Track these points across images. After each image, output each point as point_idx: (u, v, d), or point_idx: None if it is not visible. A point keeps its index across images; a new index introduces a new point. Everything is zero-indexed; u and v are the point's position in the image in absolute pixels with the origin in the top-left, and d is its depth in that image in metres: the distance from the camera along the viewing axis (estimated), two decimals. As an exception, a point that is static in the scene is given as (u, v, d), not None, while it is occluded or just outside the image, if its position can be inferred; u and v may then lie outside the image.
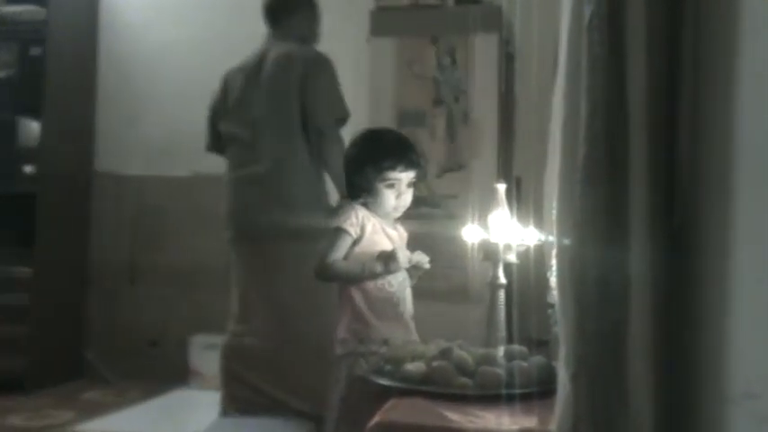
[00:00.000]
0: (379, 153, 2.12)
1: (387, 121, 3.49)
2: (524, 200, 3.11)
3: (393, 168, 2.08)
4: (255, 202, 2.89)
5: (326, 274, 2.09)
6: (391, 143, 2.16)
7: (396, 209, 2.08)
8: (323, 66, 2.90)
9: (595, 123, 1.13)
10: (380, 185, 2.09)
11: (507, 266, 1.97)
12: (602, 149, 1.13)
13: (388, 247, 2.08)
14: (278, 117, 2.89)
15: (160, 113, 4.30)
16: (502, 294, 1.93)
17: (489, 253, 1.94)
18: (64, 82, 4.05)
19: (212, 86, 3.25)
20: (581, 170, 1.14)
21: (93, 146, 4.35)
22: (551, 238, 1.31)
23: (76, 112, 4.22)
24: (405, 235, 2.16)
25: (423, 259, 2.06)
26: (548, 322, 1.82)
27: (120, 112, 4.35)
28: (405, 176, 2.07)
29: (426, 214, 3.41)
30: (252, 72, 2.97)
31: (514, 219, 1.98)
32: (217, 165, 3.38)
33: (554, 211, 1.25)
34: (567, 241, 1.17)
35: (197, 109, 3.40)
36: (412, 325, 2.09)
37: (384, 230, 2.08)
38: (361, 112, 3.43)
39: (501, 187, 1.99)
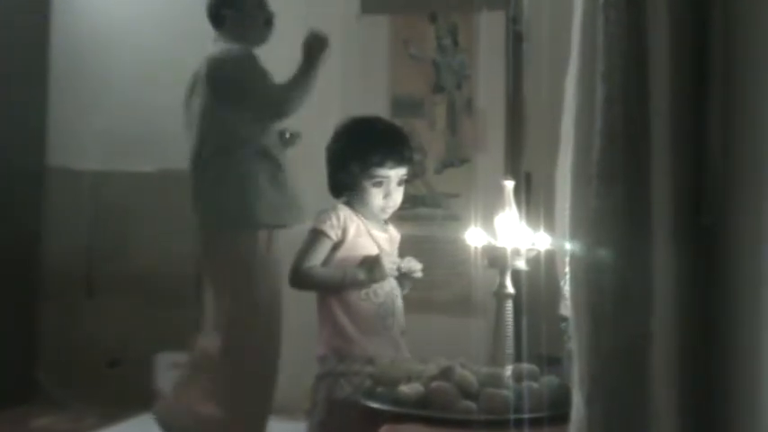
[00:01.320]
0: (365, 147, 2.11)
1: (379, 109, 3.44)
2: (535, 199, 3.02)
3: (381, 165, 2.08)
4: None
5: (301, 281, 2.08)
6: (380, 135, 2.15)
7: (383, 210, 2.08)
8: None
9: (612, 112, 1.14)
10: (367, 183, 2.09)
11: (515, 274, 1.98)
12: (620, 142, 1.14)
13: (374, 251, 2.09)
14: None
15: (122, 100, 4.14)
16: (509, 306, 1.94)
17: (495, 259, 1.94)
18: (9, 63, 3.97)
19: (182, 68, 3.23)
20: (596, 165, 1.15)
21: (45, 137, 4.27)
22: (564, 243, 1.33)
23: (24, 98, 4.13)
24: (396, 238, 2.16)
25: (414, 267, 2.07)
26: (561, 338, 1.86)
27: (76, 99, 4.23)
28: (394, 174, 2.07)
29: (424, 215, 3.45)
30: None
31: (524, 220, 1.99)
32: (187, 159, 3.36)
33: (567, 212, 1.27)
34: (581, 246, 1.18)
35: (164, 94, 3.34)
36: (403, 341, 2.09)
37: (370, 233, 2.08)
38: (350, 99, 3.43)
39: (509, 185, 2.00)
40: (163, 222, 3.98)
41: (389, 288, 2.07)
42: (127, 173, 4.13)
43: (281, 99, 2.83)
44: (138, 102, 4.14)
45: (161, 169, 4.02)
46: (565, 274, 1.84)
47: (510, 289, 1.95)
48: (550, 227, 1.96)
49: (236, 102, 2.84)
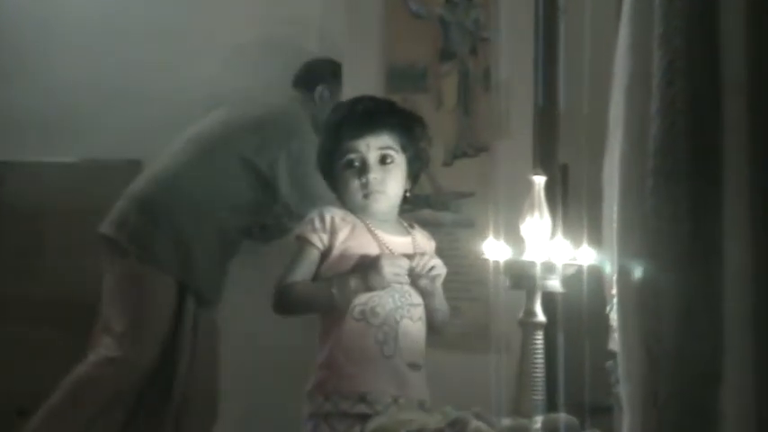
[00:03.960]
0: (337, 123, 2.20)
1: (370, 81, 3.42)
2: (574, 199, 3.09)
3: (352, 137, 2.14)
4: None
5: (281, 302, 2.13)
6: (351, 107, 2.23)
7: (365, 194, 2.08)
8: None
9: (673, 87, 1.14)
10: (339, 169, 2.16)
11: (548, 298, 1.97)
12: (683, 125, 1.14)
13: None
14: None
15: (35, 73, 4.26)
16: (540, 338, 1.93)
17: (521, 278, 1.94)
18: None
19: (114, 37, 3.31)
20: (653, 157, 1.15)
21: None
22: (612, 257, 1.34)
23: None
24: (425, 245, 2.16)
25: (429, 263, 2.09)
26: (607, 380, 1.85)
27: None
28: (366, 145, 2.11)
29: (428, 220, 3.25)
30: None
31: (559, 227, 1.99)
32: (121, 146, 3.31)
33: (615, 217, 1.27)
34: (632, 262, 1.18)
35: (91, 67, 3.34)
36: (414, 376, 2.10)
37: (373, 234, 2.10)
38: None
39: (539, 180, 2.00)
40: (85, 228, 3.96)
41: (393, 306, 2.06)
42: (40, 164, 4.07)
43: None
44: (56, 77, 4.08)
45: (84, 160, 4.03)
46: (612, 298, 1.82)
47: (540, 317, 1.94)
48: (594, 236, 1.97)
49: None
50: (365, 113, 2.17)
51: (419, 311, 2.12)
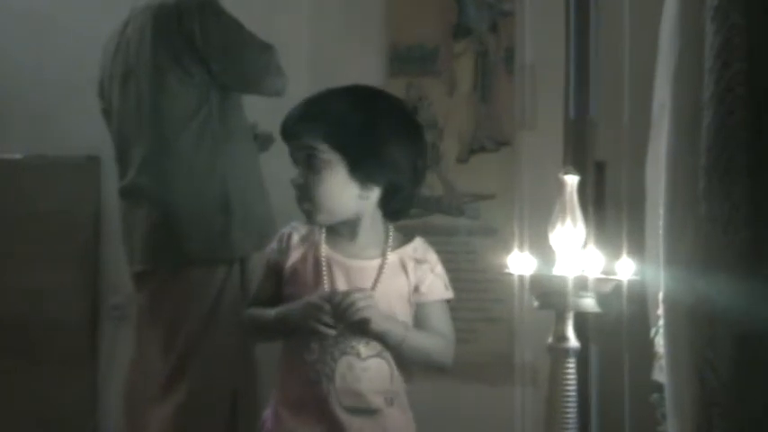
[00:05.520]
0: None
1: (370, 62, 3.49)
2: (611, 202, 3.12)
3: (284, 138, 2.24)
4: None
5: (242, 327, 2.25)
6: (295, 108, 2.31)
7: (305, 210, 2.17)
8: None
9: (730, 69, 1.14)
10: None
11: (581, 319, 1.98)
12: (742, 115, 1.14)
13: (340, 283, 2.14)
14: None
15: None
16: (572, 367, 1.92)
17: (550, 296, 1.94)
18: None
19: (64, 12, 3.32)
20: (706, 151, 1.16)
21: None
22: (658, 272, 1.37)
23: None
24: (412, 265, 2.16)
25: (346, 302, 2.07)
26: (651, 416, 1.87)
27: None
28: (293, 148, 2.20)
29: (440, 227, 3.41)
30: None
31: (594, 236, 1.98)
32: (73, 141, 3.33)
33: (660, 224, 1.28)
34: (682, 276, 1.19)
35: (40, 49, 3.36)
36: (359, 423, 2.11)
37: (320, 258, 2.17)
38: (327, 49, 3.48)
39: (571, 180, 1.99)
40: (34, 235, 3.94)
41: (332, 340, 2.11)
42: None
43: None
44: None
45: (30, 156, 4.01)
46: (658, 320, 1.89)
47: (573, 341, 1.94)
48: (635, 246, 1.98)
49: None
50: (298, 109, 2.21)
51: (374, 347, 2.12)
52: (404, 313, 2.13)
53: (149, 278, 3.15)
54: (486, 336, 3.33)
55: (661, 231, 1.28)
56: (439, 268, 2.20)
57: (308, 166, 2.15)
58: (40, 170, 3.97)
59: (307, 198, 2.15)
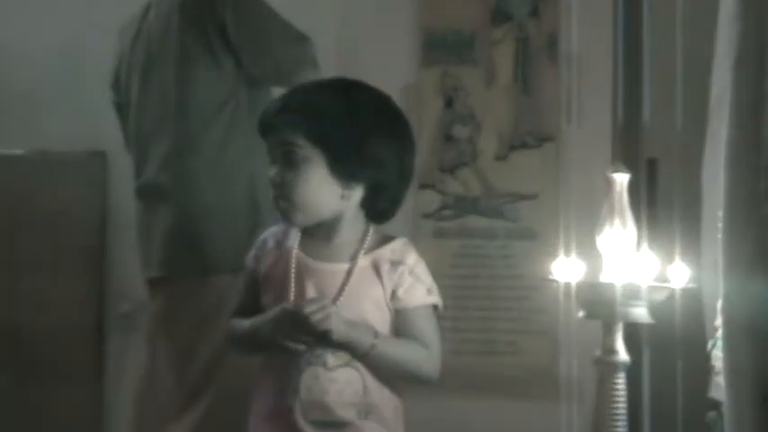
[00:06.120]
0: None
1: (402, 50, 3.50)
2: (664, 203, 3.13)
3: (261, 134, 2.28)
4: None
5: (227, 339, 2.32)
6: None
7: (279, 207, 2.21)
8: None
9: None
10: None
11: (632, 330, 2.02)
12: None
13: (309, 290, 2.18)
14: None
15: None
16: (621, 382, 1.94)
17: (597, 305, 1.95)
18: None
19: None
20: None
21: None
22: (716, 279, 1.37)
23: None
24: (387, 268, 2.20)
25: (305, 312, 2.10)
26: None
27: None
28: (271, 143, 2.24)
29: (477, 229, 3.43)
30: None
31: (646, 240, 2.00)
32: (76, 135, 3.36)
33: (719, 227, 1.28)
34: (743, 284, 1.18)
35: (39, 35, 3.40)
36: None
37: (291, 262, 2.21)
38: (357, 33, 3.50)
39: (620, 179, 2.00)
40: (34, 237, 3.97)
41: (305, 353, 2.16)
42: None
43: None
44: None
45: (31, 152, 4.05)
46: (716, 331, 1.85)
47: (623, 355, 1.95)
48: (690, 250, 1.99)
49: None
50: (274, 103, 2.26)
51: (342, 357, 2.14)
52: (379, 321, 2.13)
53: (166, 285, 3.14)
54: (528, 349, 3.33)
55: (719, 234, 1.28)
56: (419, 270, 2.19)
57: (286, 162, 2.17)
58: (41, 167, 3.99)
59: (283, 196, 2.17)
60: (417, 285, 2.15)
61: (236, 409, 3.02)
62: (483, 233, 3.40)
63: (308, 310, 2.06)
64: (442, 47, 3.52)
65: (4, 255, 3.97)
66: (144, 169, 3.15)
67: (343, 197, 2.16)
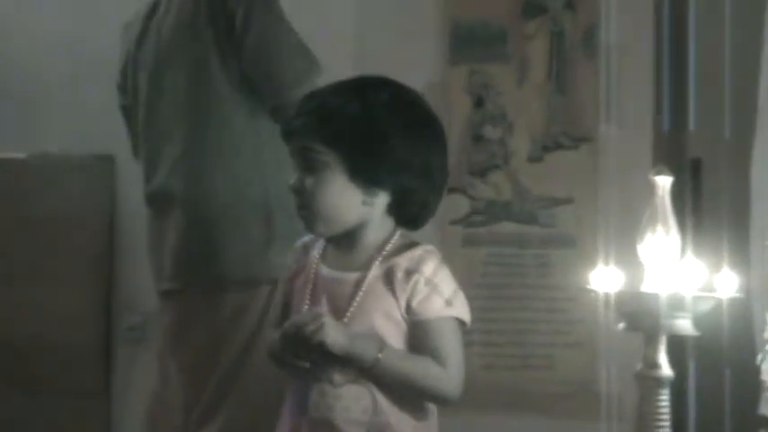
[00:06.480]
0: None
1: (427, 45, 3.50)
2: (710, 207, 3.08)
3: (283, 139, 2.30)
4: None
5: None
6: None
7: (301, 215, 2.23)
8: None
9: None
10: None
11: (677, 343, 1.97)
12: None
13: (323, 302, 2.19)
14: None
15: None
16: (665, 398, 1.92)
17: (639, 316, 1.94)
18: None
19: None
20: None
21: None
22: (765, 287, 1.36)
23: None
24: (402, 277, 2.20)
25: (298, 322, 2.13)
26: None
27: None
28: (292, 147, 2.25)
29: (509, 236, 3.43)
30: None
31: (690, 246, 1.99)
32: (82, 138, 3.38)
33: None
34: None
35: (40, 33, 3.40)
36: None
37: (310, 273, 2.24)
38: (383, 28, 3.50)
39: (663, 182, 1.98)
40: (37, 246, 4.00)
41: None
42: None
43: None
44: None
45: (35, 155, 4.10)
46: (765, 344, 1.90)
47: (666, 369, 1.93)
48: (738, 257, 1.97)
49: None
50: (300, 107, 2.25)
51: (349, 373, 2.14)
52: (392, 334, 2.12)
53: (178, 297, 3.13)
54: (565, 362, 3.34)
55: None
56: (438, 280, 2.16)
57: (306, 168, 2.18)
58: (44, 171, 4.02)
59: (304, 205, 2.18)
60: (434, 296, 2.12)
61: (252, 427, 3.03)
62: (515, 240, 3.40)
63: (301, 321, 2.08)
64: (470, 42, 3.53)
65: (6, 264, 4.01)
66: (154, 174, 3.14)
67: (365, 203, 2.15)
